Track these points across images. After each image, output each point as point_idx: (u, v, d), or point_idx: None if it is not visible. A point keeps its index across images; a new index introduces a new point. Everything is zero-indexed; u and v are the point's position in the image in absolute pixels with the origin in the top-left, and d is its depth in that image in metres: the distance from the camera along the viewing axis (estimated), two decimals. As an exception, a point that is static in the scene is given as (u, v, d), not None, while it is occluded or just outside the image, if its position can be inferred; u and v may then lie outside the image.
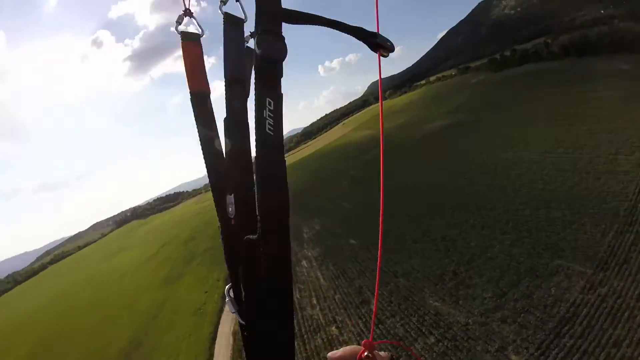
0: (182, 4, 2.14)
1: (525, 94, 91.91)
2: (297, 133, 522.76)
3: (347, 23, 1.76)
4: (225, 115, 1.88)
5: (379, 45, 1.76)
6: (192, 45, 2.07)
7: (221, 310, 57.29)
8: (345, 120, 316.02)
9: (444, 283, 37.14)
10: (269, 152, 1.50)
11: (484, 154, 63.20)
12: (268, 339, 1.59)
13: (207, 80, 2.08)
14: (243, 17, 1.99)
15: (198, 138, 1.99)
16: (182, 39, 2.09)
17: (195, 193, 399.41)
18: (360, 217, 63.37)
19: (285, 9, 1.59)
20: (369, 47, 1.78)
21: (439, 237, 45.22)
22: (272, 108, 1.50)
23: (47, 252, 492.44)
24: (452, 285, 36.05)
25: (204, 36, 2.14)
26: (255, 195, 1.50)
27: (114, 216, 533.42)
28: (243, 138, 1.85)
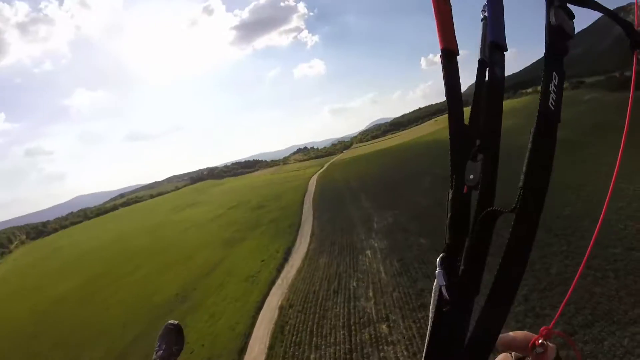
0: None
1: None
2: (386, 123, 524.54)
3: (620, 16, 1.75)
4: (486, 80, 1.77)
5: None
6: (442, 3, 1.86)
7: (273, 282, 56.55)
8: (439, 117, 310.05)
9: (512, 306, 33.58)
10: (547, 126, 1.49)
11: (583, 178, 57.81)
12: (487, 320, 1.50)
13: (456, 39, 1.86)
14: None
15: (445, 95, 1.83)
16: None
17: (273, 164, 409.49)
18: (436, 217, 58.83)
19: None
20: (630, 43, 1.78)
21: (517, 255, 41.21)
22: (556, 83, 1.50)
23: (121, 195, 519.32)
24: (521, 311, 32.75)
25: None
26: (525, 167, 1.46)
27: (191, 172, 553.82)
28: (499, 105, 1.75)
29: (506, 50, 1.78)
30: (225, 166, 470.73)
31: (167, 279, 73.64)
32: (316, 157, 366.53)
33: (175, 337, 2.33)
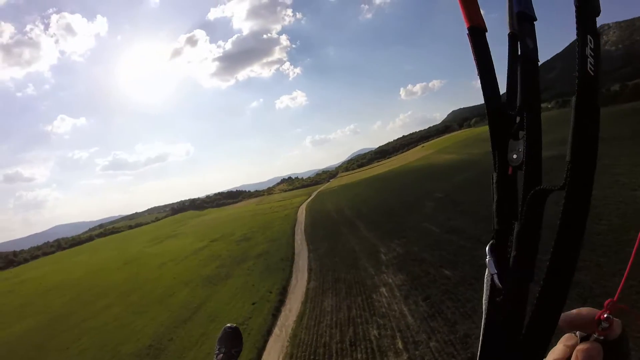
0: None
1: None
2: (370, 151, 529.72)
3: None
4: (519, 53, 1.70)
5: None
6: None
7: (269, 332, 45.03)
8: (425, 143, 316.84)
9: (570, 288, 25.75)
10: (589, 93, 1.44)
11: (603, 191, 50.76)
12: (546, 303, 1.45)
13: (482, 16, 1.84)
14: None
15: (478, 74, 1.79)
16: None
17: (257, 194, 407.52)
18: (453, 245, 49.03)
19: None
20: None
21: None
22: (592, 46, 1.44)
23: (100, 226, 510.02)
24: None
25: None
26: (570, 140, 1.42)
27: (173, 203, 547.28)
28: (536, 78, 1.68)
29: (535, 19, 1.69)
30: (208, 197, 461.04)
31: (140, 325, 62.13)
32: (302, 187, 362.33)
33: (233, 339, 2.63)
